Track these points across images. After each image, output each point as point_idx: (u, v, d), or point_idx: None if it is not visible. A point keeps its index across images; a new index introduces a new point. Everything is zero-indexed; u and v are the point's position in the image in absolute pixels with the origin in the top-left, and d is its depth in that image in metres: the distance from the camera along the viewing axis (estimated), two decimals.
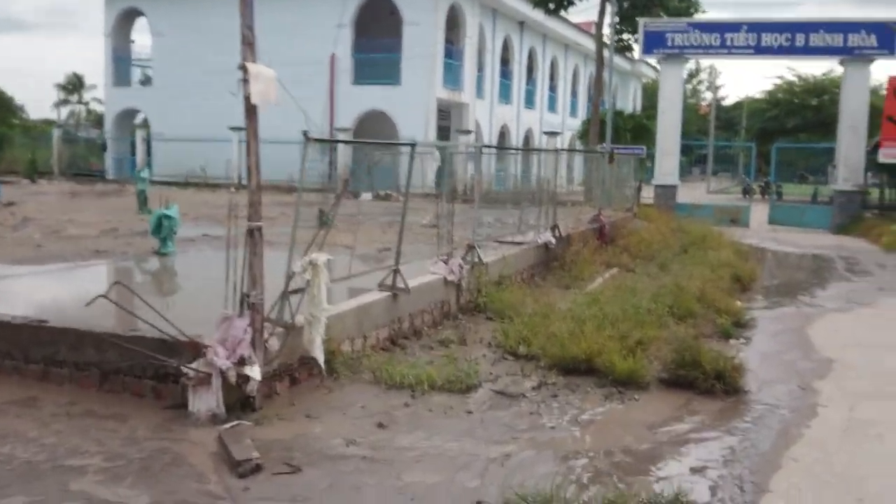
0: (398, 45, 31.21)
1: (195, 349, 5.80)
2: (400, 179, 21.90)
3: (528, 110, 42.26)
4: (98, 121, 51.74)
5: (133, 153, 35.45)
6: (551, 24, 38.90)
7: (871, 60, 24.82)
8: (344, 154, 27.11)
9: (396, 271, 8.35)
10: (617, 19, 28.77)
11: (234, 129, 28.47)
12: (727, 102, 73.56)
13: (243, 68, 5.67)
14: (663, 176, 26.66)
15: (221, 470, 4.91)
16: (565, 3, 29.45)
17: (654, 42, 26.38)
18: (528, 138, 41.72)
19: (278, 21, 28.57)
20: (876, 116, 25.07)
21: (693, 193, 28.74)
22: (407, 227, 14.55)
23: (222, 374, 5.71)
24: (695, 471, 5.24)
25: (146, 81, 39.03)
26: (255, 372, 5.79)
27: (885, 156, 23.30)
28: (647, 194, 27.37)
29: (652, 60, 32.45)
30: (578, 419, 6.17)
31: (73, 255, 11.38)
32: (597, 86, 30.03)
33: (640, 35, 27.09)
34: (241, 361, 5.78)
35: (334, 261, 8.44)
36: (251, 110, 5.77)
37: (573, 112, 48.27)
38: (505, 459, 5.22)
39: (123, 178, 32.10)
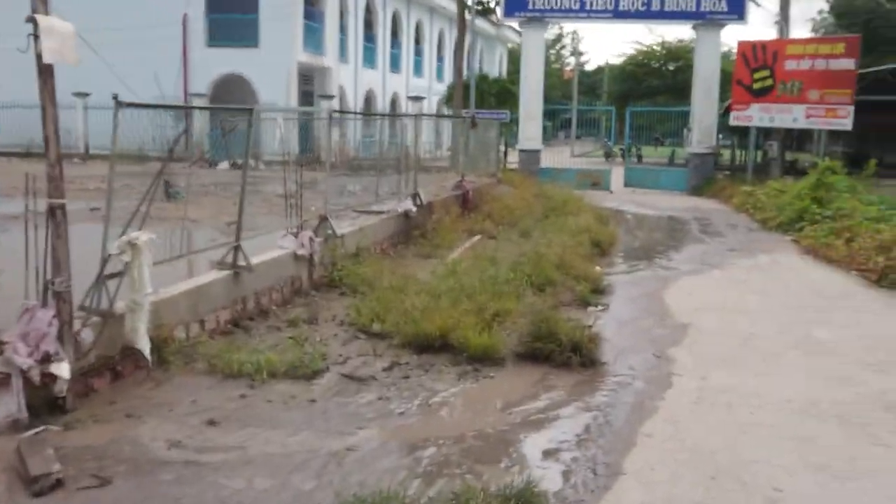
0: (255, 6, 29.70)
1: None
2: (261, 147, 20.92)
3: (393, 75, 41.54)
4: None
5: None
6: None
7: (723, 25, 25.58)
8: (200, 121, 25.77)
9: (237, 247, 7.72)
10: None
11: (77, 94, 26.59)
12: (590, 67, 75.28)
13: (33, 21, 4.89)
14: (527, 140, 26.71)
15: (15, 488, 4.25)
16: None
17: (515, 5, 26.21)
18: (394, 103, 41.05)
19: None
20: (728, 81, 25.94)
21: (558, 157, 28.91)
22: (264, 198, 13.69)
23: (23, 373, 5.01)
24: (548, 454, 4.97)
25: None
26: (62, 370, 5.10)
27: (736, 119, 24.20)
28: (514, 159, 27.40)
29: (515, 24, 32.30)
30: (430, 402, 5.81)
31: None
32: (458, 49, 29.69)
33: None
34: (46, 358, 5.08)
35: (172, 237, 7.73)
36: (45, 70, 5.01)
37: (440, 77, 47.85)
38: (346, 454, 4.79)
39: None
